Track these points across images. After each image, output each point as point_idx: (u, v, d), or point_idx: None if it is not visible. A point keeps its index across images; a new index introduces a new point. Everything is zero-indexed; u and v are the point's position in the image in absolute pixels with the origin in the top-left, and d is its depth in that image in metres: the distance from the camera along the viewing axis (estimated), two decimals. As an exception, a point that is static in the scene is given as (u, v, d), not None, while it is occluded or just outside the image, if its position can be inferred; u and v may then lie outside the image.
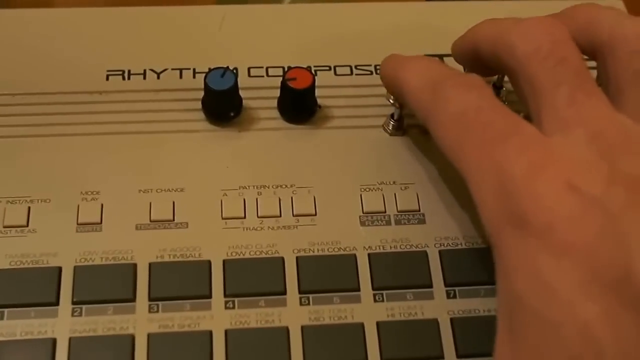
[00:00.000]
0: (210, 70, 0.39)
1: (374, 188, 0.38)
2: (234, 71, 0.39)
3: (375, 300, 0.35)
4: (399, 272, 0.35)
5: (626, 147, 0.29)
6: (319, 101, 0.40)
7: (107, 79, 0.41)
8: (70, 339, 0.33)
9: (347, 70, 0.42)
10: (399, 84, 0.36)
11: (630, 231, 0.27)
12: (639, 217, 0.27)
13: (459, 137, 0.32)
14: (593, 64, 0.35)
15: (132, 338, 0.34)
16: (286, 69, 0.40)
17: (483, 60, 0.36)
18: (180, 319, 0.34)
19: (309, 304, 0.35)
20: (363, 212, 0.37)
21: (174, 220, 0.37)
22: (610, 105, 0.31)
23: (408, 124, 0.40)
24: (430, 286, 0.35)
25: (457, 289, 0.35)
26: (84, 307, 0.34)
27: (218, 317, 0.34)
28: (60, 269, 0.35)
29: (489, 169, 0.30)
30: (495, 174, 0.30)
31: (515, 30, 0.33)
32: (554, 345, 0.27)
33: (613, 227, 0.27)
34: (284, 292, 0.35)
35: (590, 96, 0.31)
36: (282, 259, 0.36)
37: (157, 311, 0.34)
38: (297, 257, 0.36)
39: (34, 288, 0.34)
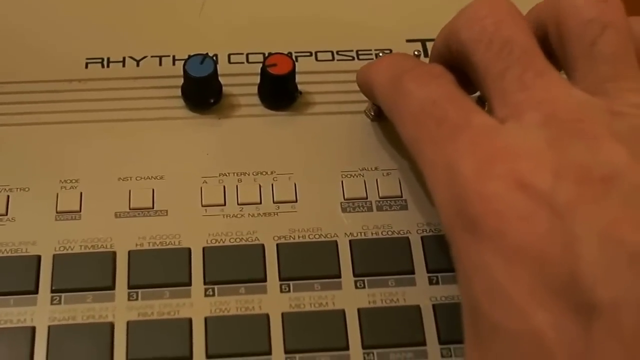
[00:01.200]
0: (189, 57, 0.38)
1: (355, 174, 0.38)
2: (214, 58, 0.39)
3: (356, 287, 0.35)
4: (381, 258, 0.35)
5: (578, 130, 0.28)
6: (300, 87, 0.40)
7: (86, 66, 0.41)
8: (49, 327, 0.33)
9: (328, 55, 0.42)
10: (369, 85, 0.36)
11: (577, 230, 0.26)
12: (586, 215, 0.26)
13: (416, 134, 0.31)
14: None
15: (112, 326, 0.33)
16: (267, 55, 0.39)
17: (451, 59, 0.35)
18: (160, 306, 0.34)
19: (289, 291, 0.34)
20: (344, 199, 0.37)
21: (153, 207, 0.36)
22: (564, 81, 0.30)
23: (389, 109, 0.40)
24: (413, 272, 0.35)
25: (439, 275, 0.35)
26: (63, 295, 0.34)
27: (198, 305, 0.34)
28: (39, 258, 0.35)
29: (441, 168, 0.29)
30: (446, 173, 0.29)
31: (459, 15, 0.33)
32: (514, 355, 0.26)
33: (561, 226, 0.26)
34: (264, 279, 0.35)
35: (542, 75, 0.30)
36: (263, 246, 0.35)
37: (137, 299, 0.34)
38: (277, 244, 0.35)
39: (13, 276, 0.34)
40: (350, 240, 0.36)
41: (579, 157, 0.27)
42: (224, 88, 0.40)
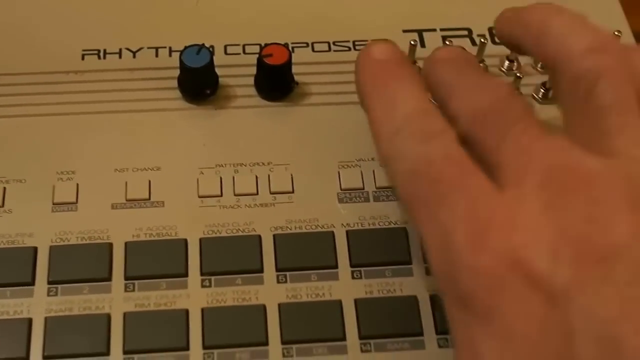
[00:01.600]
0: (185, 47, 0.38)
1: (352, 165, 0.38)
2: (210, 49, 0.38)
3: (353, 278, 0.35)
4: (378, 249, 0.35)
5: (578, 196, 0.26)
6: (297, 78, 0.40)
7: (83, 58, 0.41)
8: (46, 318, 0.33)
9: (325, 46, 0.42)
10: (366, 109, 0.33)
11: (574, 323, 0.24)
12: (585, 306, 0.24)
13: (410, 193, 0.29)
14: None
15: (108, 317, 0.33)
16: (263, 46, 0.39)
17: None
18: (157, 297, 0.34)
19: (286, 281, 0.34)
20: (341, 189, 0.37)
21: (150, 199, 0.36)
22: (562, 141, 0.29)
23: (386, 100, 0.40)
24: (410, 263, 0.35)
25: (436, 265, 0.35)
26: (59, 286, 0.34)
27: (194, 296, 0.34)
28: (35, 249, 0.35)
29: (435, 232, 0.28)
30: (440, 237, 0.28)
31: (458, 96, 0.31)
32: None
33: (557, 316, 0.25)
34: (261, 270, 0.35)
35: (538, 139, 0.29)
36: (259, 236, 0.35)
37: (133, 290, 0.34)
38: (274, 235, 0.35)
39: (9, 268, 0.34)
40: (347, 231, 0.36)
41: (578, 228, 0.26)
42: (220, 79, 0.40)
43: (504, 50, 0.41)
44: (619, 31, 0.40)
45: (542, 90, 0.40)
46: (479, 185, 0.28)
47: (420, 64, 0.40)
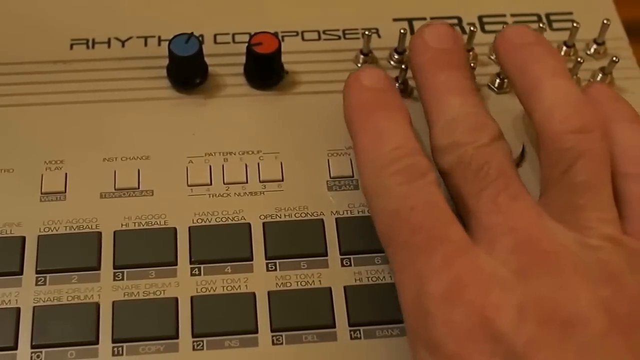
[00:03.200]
0: (174, 36, 0.38)
1: (341, 153, 0.38)
2: (199, 37, 0.38)
3: (342, 265, 0.35)
4: (367, 236, 0.35)
5: (547, 263, 0.29)
6: (287, 67, 0.40)
7: (71, 47, 0.41)
8: (34, 307, 0.33)
9: (314, 35, 0.42)
10: (352, 136, 0.34)
11: None
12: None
13: (390, 234, 0.31)
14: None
15: (97, 306, 0.33)
16: (253, 35, 0.39)
17: None
18: (146, 286, 0.34)
19: (275, 269, 0.34)
20: (330, 177, 0.37)
21: (139, 188, 0.36)
22: (536, 207, 0.31)
23: (376, 88, 0.39)
24: (399, 251, 0.35)
25: (426, 253, 0.35)
26: (48, 276, 0.34)
27: (184, 284, 0.34)
28: (24, 239, 0.35)
29: (410, 278, 0.30)
30: (415, 285, 0.29)
31: (443, 134, 0.33)
32: None
33: None
34: (251, 258, 0.35)
35: (516, 199, 0.31)
36: (249, 225, 0.35)
37: (122, 279, 0.34)
38: (263, 223, 0.35)
39: (-3, 258, 0.34)
40: (336, 219, 0.36)
41: (544, 293, 0.28)
42: (209, 68, 0.39)
43: (493, 38, 0.41)
44: (607, 19, 0.40)
45: (497, 80, 0.40)
46: (456, 239, 0.30)
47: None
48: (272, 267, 0.34)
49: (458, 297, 0.28)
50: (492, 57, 0.41)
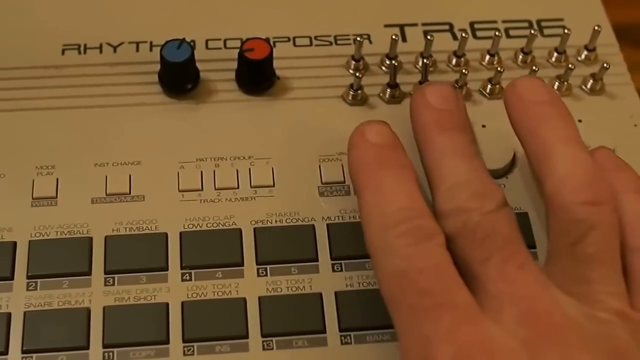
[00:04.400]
0: (166, 42, 0.38)
1: (333, 158, 0.38)
2: (191, 43, 0.38)
3: (333, 270, 0.35)
4: (358, 242, 0.35)
5: (553, 335, 0.29)
6: (278, 73, 0.40)
7: (63, 53, 0.41)
8: (25, 312, 0.33)
9: (306, 41, 0.42)
10: (357, 193, 0.34)
11: None
12: None
13: (396, 296, 0.31)
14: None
15: (88, 311, 0.33)
16: (244, 41, 0.39)
17: None
18: (137, 291, 0.34)
19: (266, 275, 0.34)
20: (322, 183, 0.37)
21: (130, 193, 0.36)
22: (543, 276, 0.31)
23: (367, 94, 0.40)
24: (390, 256, 0.35)
25: (417, 258, 0.35)
26: (39, 281, 0.34)
27: (174, 289, 0.34)
28: (15, 244, 0.35)
29: (416, 342, 0.29)
30: (421, 350, 0.29)
31: (450, 199, 0.32)
32: None
33: None
34: (241, 264, 0.35)
35: (522, 268, 0.30)
36: (240, 230, 0.35)
37: (113, 284, 0.34)
38: (254, 229, 0.35)
39: (-12, 263, 0.34)
40: (327, 224, 0.36)
41: None
42: (201, 74, 0.40)
43: (485, 44, 0.41)
44: (598, 26, 0.40)
45: (489, 86, 0.40)
46: (465, 305, 0.30)
47: (401, 58, 0.41)
48: (262, 273, 0.34)
49: None
50: (484, 63, 0.41)
